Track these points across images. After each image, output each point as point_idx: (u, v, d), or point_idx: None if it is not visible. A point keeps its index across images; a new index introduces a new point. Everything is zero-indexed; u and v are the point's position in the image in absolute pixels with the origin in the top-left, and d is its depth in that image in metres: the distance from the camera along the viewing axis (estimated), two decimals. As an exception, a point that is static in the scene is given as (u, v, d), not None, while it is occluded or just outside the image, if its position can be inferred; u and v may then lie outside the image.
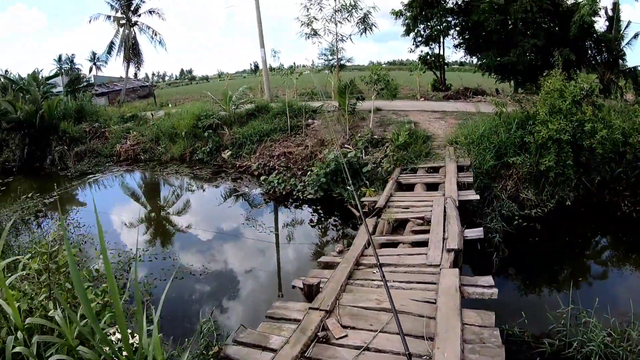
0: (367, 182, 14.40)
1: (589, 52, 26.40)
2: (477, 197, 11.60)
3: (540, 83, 15.05)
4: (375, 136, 16.65)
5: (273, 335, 5.73)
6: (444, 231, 8.98)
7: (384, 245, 9.30)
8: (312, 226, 13.63)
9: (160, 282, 9.51)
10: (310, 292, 6.80)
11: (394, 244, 9.25)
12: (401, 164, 14.64)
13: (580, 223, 13.31)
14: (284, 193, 15.93)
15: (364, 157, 15.52)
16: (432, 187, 12.71)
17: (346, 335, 5.58)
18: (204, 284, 10.09)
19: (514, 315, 7.68)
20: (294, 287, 7.64)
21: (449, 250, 8.01)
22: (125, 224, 14.42)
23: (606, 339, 6.70)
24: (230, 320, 8.56)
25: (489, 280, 6.90)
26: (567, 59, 20.50)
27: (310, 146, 17.83)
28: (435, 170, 13.96)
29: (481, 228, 9.51)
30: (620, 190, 14.32)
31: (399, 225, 10.49)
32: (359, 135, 16.96)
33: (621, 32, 25.09)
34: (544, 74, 14.96)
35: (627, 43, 25.24)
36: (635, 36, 25.07)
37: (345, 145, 16.53)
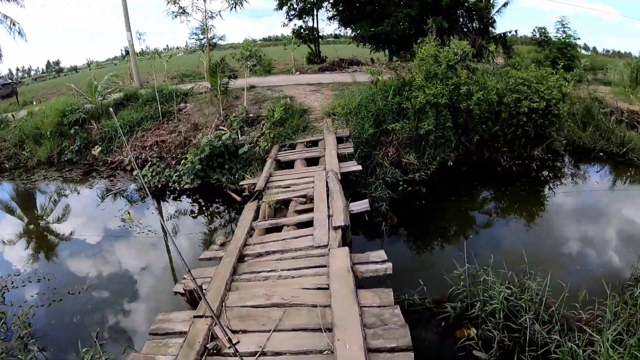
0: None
1: (461, 20, 27.99)
2: (359, 167, 11.23)
3: (415, 50, 15.10)
4: (251, 115, 15.69)
5: (159, 355, 5.01)
6: (328, 208, 8.44)
7: (268, 230, 8.55)
8: (193, 217, 12.54)
9: (40, 309, 8.27)
10: (194, 297, 6.02)
11: (279, 228, 8.52)
12: (279, 140, 13.95)
13: (463, 182, 13.61)
14: (159, 186, 14.53)
15: (240, 137, 14.47)
16: (312, 161, 12.13)
17: (238, 342, 4.98)
18: (86, 302, 8.67)
19: (412, 283, 7.50)
20: (175, 293, 6.65)
21: (335, 228, 7.50)
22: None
23: (506, 293, 6.74)
24: (120, 341, 7.36)
25: (381, 254, 6.55)
26: (440, 27, 21.04)
27: (184, 132, 16.48)
28: (315, 143, 13.42)
29: (366, 200, 9.12)
30: (498, 147, 15.06)
31: (282, 206, 9.78)
32: (234, 115, 15.87)
33: (491, 1, 26.99)
34: (418, 41, 15.02)
35: (497, 11, 27.29)
36: (505, 4, 27.06)
37: (220, 127, 15.39)
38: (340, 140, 13.00)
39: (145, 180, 14.60)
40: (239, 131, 14.85)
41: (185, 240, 11.07)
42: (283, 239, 7.68)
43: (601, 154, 18.73)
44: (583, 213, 12.28)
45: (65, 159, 18.72)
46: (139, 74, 25.67)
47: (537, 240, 10.24)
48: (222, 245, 8.04)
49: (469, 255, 7.46)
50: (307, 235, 7.60)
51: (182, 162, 14.38)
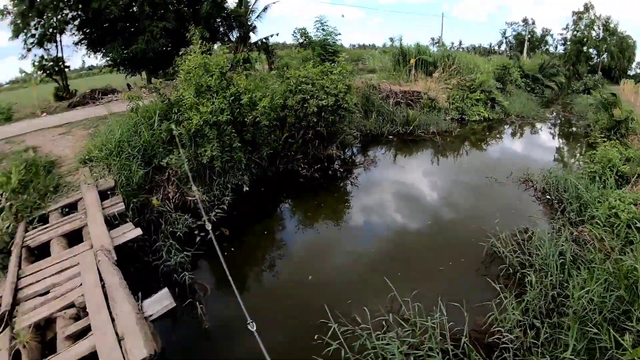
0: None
1: (221, 29, 27.11)
2: (139, 231, 7.96)
3: (178, 63, 12.45)
4: (-16, 183, 11.41)
5: None
6: (112, 322, 5.34)
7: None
8: None
9: None
10: None
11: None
12: (25, 214, 9.45)
13: (267, 206, 12.27)
14: None
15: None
16: (75, 237, 8.43)
17: None
18: None
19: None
20: None
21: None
22: None
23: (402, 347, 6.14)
24: None
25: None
26: (201, 37, 19.04)
27: None
28: (73, 207, 9.56)
29: (165, 289, 6.13)
30: (292, 156, 14.13)
31: (46, 327, 6.06)
32: (-39, 188, 11.43)
33: (250, 6, 26.98)
34: (181, 53, 12.37)
35: (258, 16, 27.33)
36: (265, 9, 27.23)
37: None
38: (104, 195, 9.62)
39: None
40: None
41: None
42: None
43: (390, 137, 19.06)
44: (399, 195, 13.63)
45: None
46: None
47: (379, 246, 10.11)
48: None
49: (330, 300, 7.01)
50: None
51: None
